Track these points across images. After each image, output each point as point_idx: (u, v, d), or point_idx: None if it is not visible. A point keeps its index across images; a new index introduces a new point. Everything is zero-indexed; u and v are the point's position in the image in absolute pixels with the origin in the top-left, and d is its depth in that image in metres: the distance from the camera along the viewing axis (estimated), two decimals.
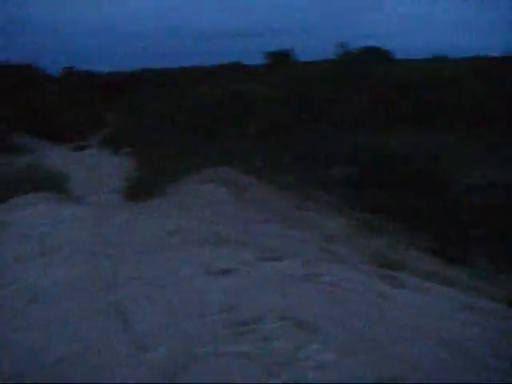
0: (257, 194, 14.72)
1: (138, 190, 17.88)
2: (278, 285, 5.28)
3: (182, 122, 26.94)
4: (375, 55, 51.83)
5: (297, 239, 10.06)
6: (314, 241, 10.44)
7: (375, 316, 4.43)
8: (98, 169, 31.10)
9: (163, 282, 5.60)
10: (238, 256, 7.05)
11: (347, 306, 4.62)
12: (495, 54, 45.42)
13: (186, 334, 4.07)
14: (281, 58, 60.74)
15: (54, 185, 14.26)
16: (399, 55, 63.77)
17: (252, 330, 4.08)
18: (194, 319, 4.39)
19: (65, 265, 6.51)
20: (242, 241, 8.67)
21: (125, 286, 5.46)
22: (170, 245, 7.57)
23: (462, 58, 60.55)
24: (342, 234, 12.98)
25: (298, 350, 3.69)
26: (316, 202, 16.85)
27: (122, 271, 6.09)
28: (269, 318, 4.30)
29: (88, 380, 3.52)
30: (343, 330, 4.04)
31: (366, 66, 41.71)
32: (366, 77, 38.28)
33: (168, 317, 4.49)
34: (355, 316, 4.37)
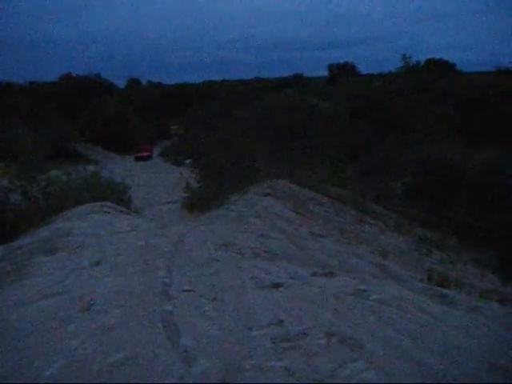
0: (315, 207, 14.73)
1: (197, 202, 18.13)
2: (328, 301, 5.30)
3: (244, 133, 27.19)
4: (440, 68, 51.33)
5: (351, 254, 10.03)
6: (369, 256, 10.39)
7: (423, 336, 4.40)
8: (159, 179, 31.69)
9: (215, 294, 5.69)
10: (290, 271, 7.09)
11: (395, 324, 4.61)
12: None
13: (233, 348, 4.14)
14: (344, 71, 60.67)
15: (115, 195, 14.58)
16: (462, 67, 63.04)
17: (297, 345, 4.11)
18: (242, 332, 4.46)
19: (119, 275, 6.67)
20: (295, 255, 8.71)
21: (177, 297, 5.57)
22: (223, 258, 7.64)
23: None
24: (398, 250, 12.88)
25: (340, 368, 3.70)
26: (374, 217, 16.76)
27: (175, 283, 6.20)
28: (315, 333, 4.33)
29: None
30: (389, 350, 4.03)
31: (431, 78, 41.31)
32: (433, 90, 37.92)
33: (217, 329, 4.57)
34: (402, 335, 4.35)
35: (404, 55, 40.70)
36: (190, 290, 5.87)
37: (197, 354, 4.05)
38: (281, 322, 4.67)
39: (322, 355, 3.91)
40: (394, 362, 3.83)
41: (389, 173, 24.01)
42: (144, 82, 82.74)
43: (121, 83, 79.35)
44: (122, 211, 12.68)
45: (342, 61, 67.64)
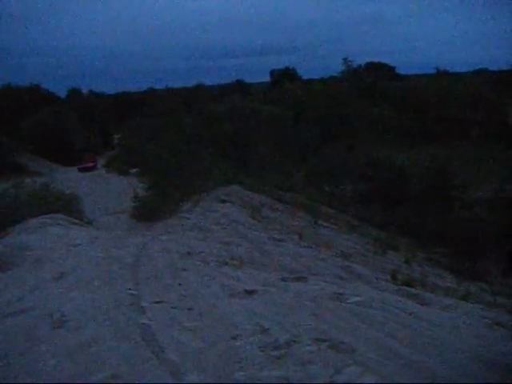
0: (270, 212, 14.67)
1: (150, 210, 17.83)
2: (307, 306, 5.20)
3: (191, 140, 26.97)
4: (380, 71, 52.06)
5: (314, 258, 9.99)
6: (331, 258, 10.37)
7: (410, 336, 4.35)
8: (108, 189, 31.12)
9: (189, 304, 5.53)
10: (259, 277, 6.98)
11: (381, 326, 4.54)
12: (497, 68, 45.65)
13: (221, 359, 3.99)
14: (285, 76, 60.92)
15: (67, 206, 14.21)
16: (402, 70, 64.08)
17: (288, 353, 3.99)
18: (227, 343, 4.31)
19: (85, 288, 6.42)
20: (261, 261, 8.62)
21: (151, 309, 5.39)
22: (189, 267, 7.49)
23: (464, 72, 60.92)
24: (356, 251, 12.92)
25: (338, 374, 3.60)
26: (328, 219, 16.80)
27: (144, 294, 6.02)
28: (303, 340, 4.22)
29: None
30: (381, 352, 3.95)
31: (372, 82, 41.85)
32: (374, 93, 38.42)
33: (200, 340, 4.41)
34: (391, 337, 4.29)
35: (346, 59, 41.15)
36: (161, 302, 5.69)
37: (185, 368, 3.88)
38: (266, 329, 4.54)
39: (316, 362, 3.79)
40: (388, 365, 3.75)
41: (338, 175, 24.16)
42: (85, 91, 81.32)
43: (62, 93, 77.94)
44: (75, 223, 12.36)
45: (283, 66, 67.94)
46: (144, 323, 4.94)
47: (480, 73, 54.37)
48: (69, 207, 14.37)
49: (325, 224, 15.90)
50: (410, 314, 5.04)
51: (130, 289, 6.28)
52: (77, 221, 13.02)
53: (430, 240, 18.64)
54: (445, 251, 17.72)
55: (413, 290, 7.24)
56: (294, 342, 4.20)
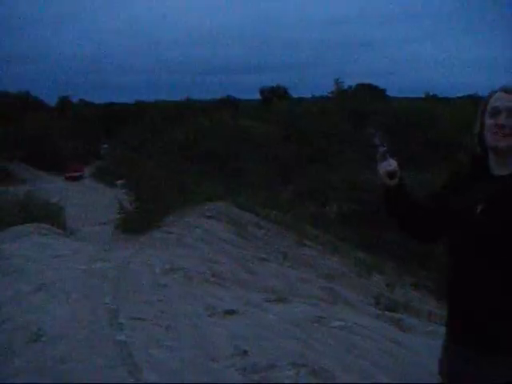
0: (255, 230, 14.58)
1: (134, 223, 17.69)
2: (289, 329, 5.13)
3: (180, 154, 26.91)
4: (370, 93, 52.27)
5: (297, 278, 9.90)
6: (315, 280, 10.29)
7: (392, 365, 4.28)
8: (93, 200, 30.97)
9: (168, 322, 5.43)
10: (241, 296, 6.89)
11: (363, 353, 4.47)
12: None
13: (199, 380, 3.90)
14: (276, 94, 60.97)
15: (50, 216, 14.05)
16: (392, 93, 64.42)
17: (267, 377, 3.91)
18: (206, 364, 4.22)
19: (64, 301, 6.30)
20: (244, 280, 8.52)
21: (129, 326, 5.27)
22: (171, 283, 7.39)
23: (454, 97, 61.25)
24: (340, 273, 12.83)
25: None
26: (313, 240, 16.72)
27: (123, 310, 5.90)
28: (283, 364, 4.14)
29: None
30: (361, 380, 3.88)
31: (362, 103, 41.97)
32: (364, 114, 38.50)
33: (178, 361, 4.31)
34: (373, 365, 4.21)
35: (337, 79, 41.19)
36: (140, 318, 5.58)
37: None
38: (245, 352, 4.45)
39: None
40: None
41: (322, 196, 24.16)
42: (75, 100, 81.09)
43: (52, 101, 77.74)
44: (59, 233, 12.22)
45: (273, 84, 68.08)
46: (121, 340, 4.83)
47: (470, 98, 54.68)
48: (52, 216, 14.21)
49: (309, 244, 15.81)
50: (392, 341, 4.98)
51: (109, 303, 6.17)
52: (60, 231, 12.87)
53: (417, 264, 18.59)
54: (430, 275, 17.66)
55: (396, 315, 7.18)
56: (274, 365, 4.11)
